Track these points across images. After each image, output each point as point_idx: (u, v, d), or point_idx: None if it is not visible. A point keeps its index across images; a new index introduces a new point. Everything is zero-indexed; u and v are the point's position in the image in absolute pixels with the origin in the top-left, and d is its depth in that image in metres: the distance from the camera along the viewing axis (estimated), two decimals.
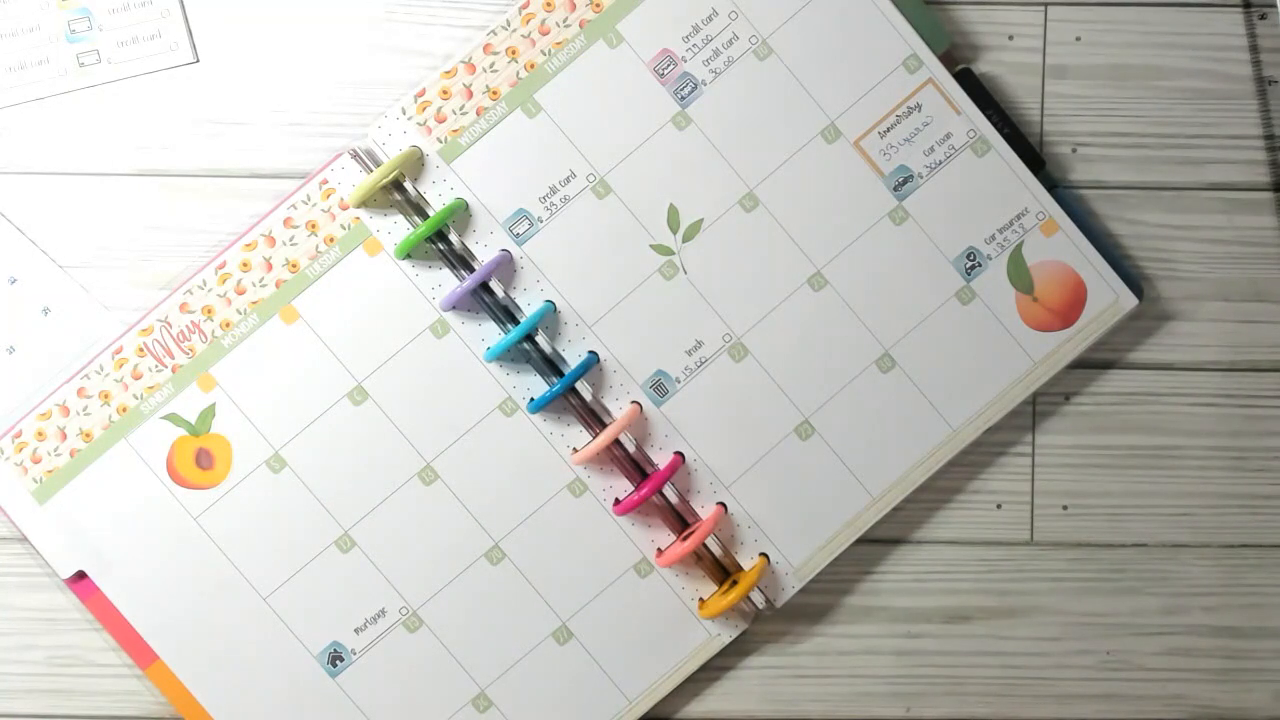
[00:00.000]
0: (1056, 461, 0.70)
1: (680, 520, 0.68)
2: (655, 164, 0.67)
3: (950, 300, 0.68)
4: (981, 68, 0.69)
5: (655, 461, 0.68)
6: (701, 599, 0.69)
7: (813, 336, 0.68)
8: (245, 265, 0.67)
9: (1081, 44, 0.69)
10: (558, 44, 0.67)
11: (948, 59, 0.68)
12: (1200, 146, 0.69)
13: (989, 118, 0.68)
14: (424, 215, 0.67)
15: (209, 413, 0.67)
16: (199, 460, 0.67)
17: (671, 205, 0.68)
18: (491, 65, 0.67)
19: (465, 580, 0.68)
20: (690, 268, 0.68)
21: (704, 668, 0.69)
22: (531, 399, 0.67)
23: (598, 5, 0.67)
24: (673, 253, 0.68)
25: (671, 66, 0.67)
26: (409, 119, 0.67)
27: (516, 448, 0.68)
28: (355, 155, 0.67)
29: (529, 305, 0.68)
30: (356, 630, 0.68)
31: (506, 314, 0.67)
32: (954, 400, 0.68)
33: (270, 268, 0.67)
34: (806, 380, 0.68)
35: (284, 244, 0.67)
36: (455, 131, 0.67)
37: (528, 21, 0.67)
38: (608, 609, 0.68)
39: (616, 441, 0.67)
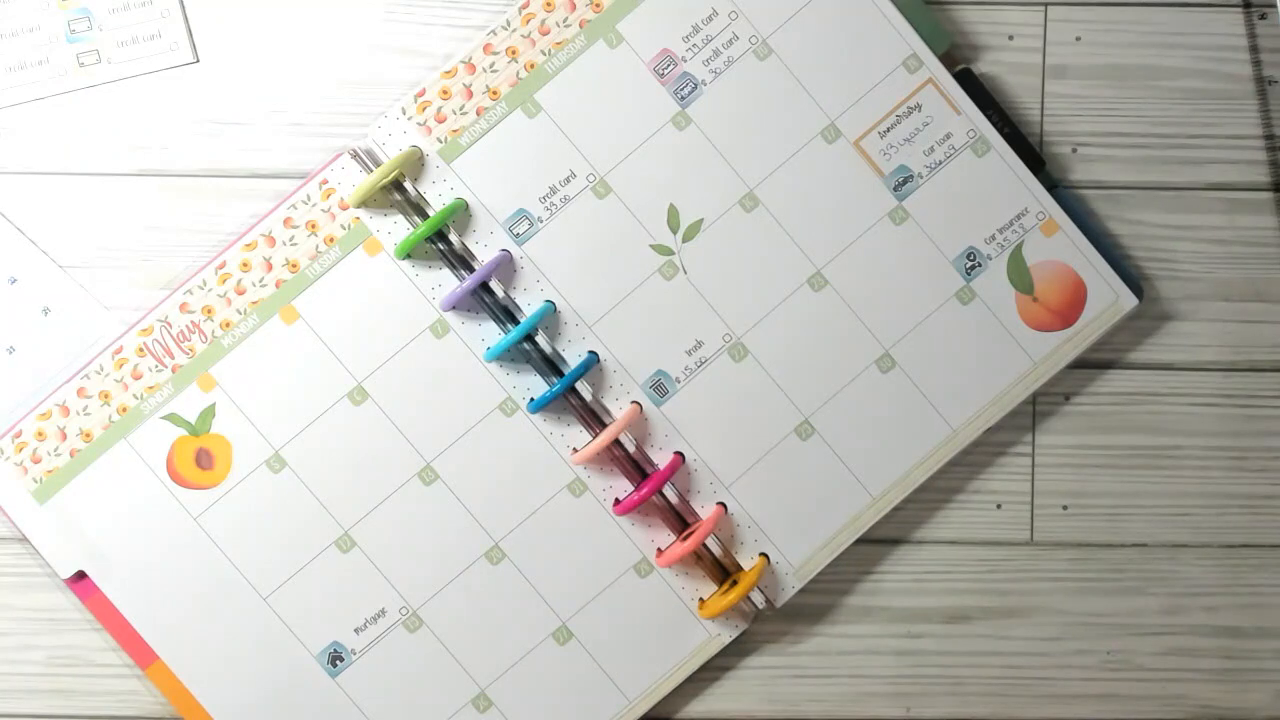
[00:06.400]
0: (1056, 461, 0.70)
1: (680, 520, 0.68)
2: (655, 164, 0.67)
3: (950, 300, 0.68)
4: (981, 68, 0.69)
5: (655, 461, 0.68)
6: (701, 599, 0.69)
7: (813, 336, 0.68)
8: (245, 265, 0.67)
9: (1081, 44, 0.69)
10: (558, 44, 0.67)
11: (948, 59, 0.68)
12: (1200, 146, 0.69)
13: (989, 118, 0.68)
14: (424, 215, 0.67)
15: (209, 413, 0.67)
16: (199, 460, 0.67)
17: (671, 205, 0.68)
18: (491, 65, 0.67)
19: (465, 580, 0.68)
20: (690, 268, 0.68)
21: (704, 668, 0.69)
22: (531, 399, 0.67)
23: (598, 5, 0.67)
24: (673, 253, 0.68)
25: (671, 66, 0.67)
26: (409, 119, 0.67)
27: (516, 448, 0.68)
28: (355, 155, 0.67)
29: (529, 305, 0.68)
30: (356, 630, 0.68)
31: (506, 314, 0.67)
32: (954, 400, 0.68)
33: (270, 268, 0.67)
34: (806, 380, 0.68)
35: (284, 244, 0.67)
36: (455, 131, 0.67)
37: (528, 21, 0.67)
38: (608, 609, 0.68)
39: (616, 441, 0.67)
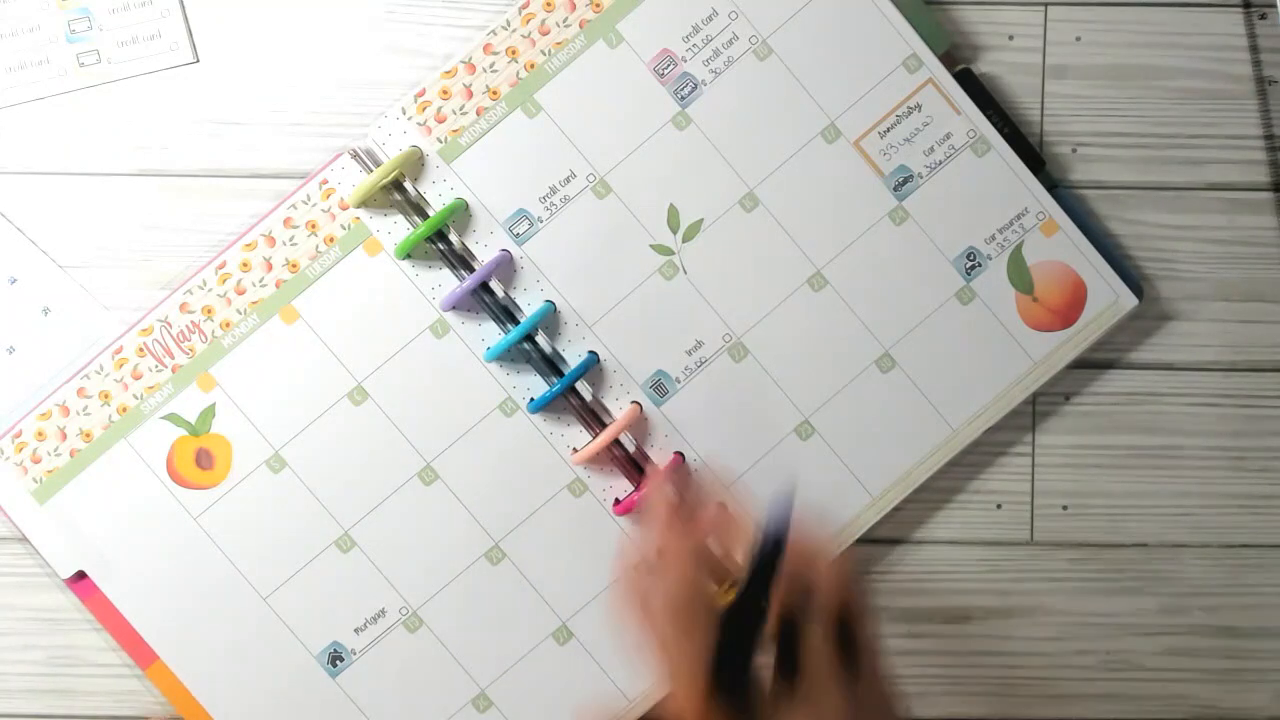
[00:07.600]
0: (1056, 461, 0.70)
1: None
2: (655, 164, 0.67)
3: (950, 300, 0.68)
4: (981, 68, 0.69)
5: (655, 461, 0.68)
6: None
7: (813, 336, 0.68)
8: (245, 265, 0.67)
9: (1081, 44, 0.69)
10: (558, 44, 0.67)
11: (948, 59, 0.68)
12: (1200, 146, 0.69)
13: (989, 118, 0.68)
14: (424, 215, 0.67)
15: (209, 413, 0.67)
16: (199, 460, 0.67)
17: (671, 205, 0.68)
18: (491, 65, 0.67)
19: (465, 580, 0.68)
20: (690, 268, 0.68)
21: None
22: (531, 399, 0.67)
23: (598, 5, 0.67)
24: (673, 253, 0.68)
25: (671, 66, 0.67)
26: (409, 119, 0.67)
27: (516, 448, 0.68)
28: (355, 155, 0.67)
29: (529, 305, 0.68)
30: (356, 630, 0.68)
31: (506, 314, 0.67)
32: (954, 400, 0.68)
33: (270, 268, 0.67)
34: (806, 380, 0.68)
35: (284, 244, 0.67)
36: (455, 131, 0.67)
37: (528, 21, 0.67)
38: (607, 610, 0.68)
39: (616, 441, 0.67)
